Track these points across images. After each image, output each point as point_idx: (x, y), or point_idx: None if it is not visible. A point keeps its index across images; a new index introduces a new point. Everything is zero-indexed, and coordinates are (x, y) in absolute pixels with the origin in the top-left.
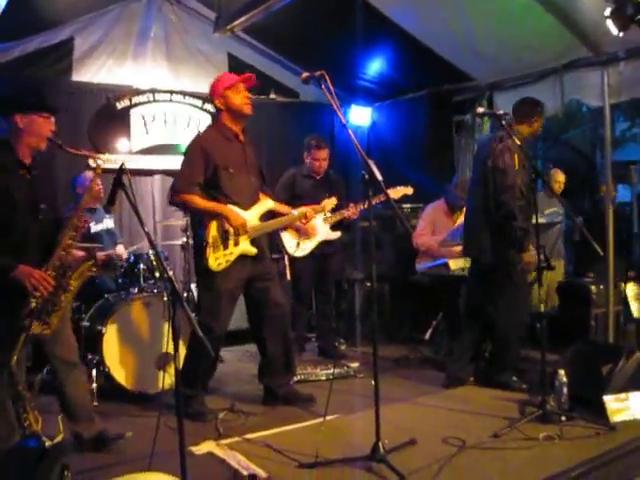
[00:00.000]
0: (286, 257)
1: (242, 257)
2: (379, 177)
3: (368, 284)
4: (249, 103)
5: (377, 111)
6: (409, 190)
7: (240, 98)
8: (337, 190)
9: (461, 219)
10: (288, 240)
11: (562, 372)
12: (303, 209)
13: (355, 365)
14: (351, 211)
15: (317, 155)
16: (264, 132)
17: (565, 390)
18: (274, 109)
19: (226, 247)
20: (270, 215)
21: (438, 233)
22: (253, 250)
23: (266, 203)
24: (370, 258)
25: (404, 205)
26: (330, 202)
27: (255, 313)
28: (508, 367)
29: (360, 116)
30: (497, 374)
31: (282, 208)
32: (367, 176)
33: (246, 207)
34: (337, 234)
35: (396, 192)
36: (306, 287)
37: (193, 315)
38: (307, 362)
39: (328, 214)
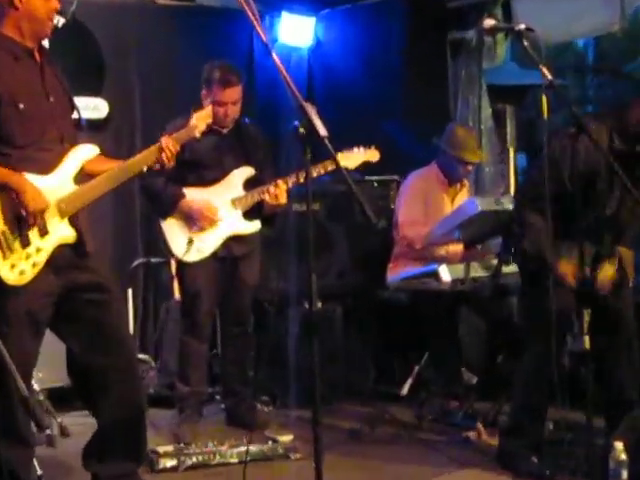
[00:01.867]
0: (172, 262)
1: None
2: (322, 131)
3: (307, 305)
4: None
5: (324, 23)
6: (373, 154)
7: (49, 5)
8: (256, 154)
9: (462, 196)
10: (174, 234)
11: (619, 446)
12: (165, 139)
13: (287, 439)
14: (276, 189)
15: (223, 96)
16: (138, 55)
17: (625, 475)
18: (155, 17)
19: (26, 243)
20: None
21: (431, 217)
22: (72, 234)
23: (81, 152)
24: (308, 263)
25: (369, 177)
26: (245, 171)
27: (80, 353)
28: (527, 438)
29: (297, 31)
30: (510, 451)
31: (110, 162)
32: (302, 129)
33: (51, 166)
34: (254, 226)
35: (351, 157)
36: (204, 311)
37: None
38: (207, 434)
39: (239, 192)
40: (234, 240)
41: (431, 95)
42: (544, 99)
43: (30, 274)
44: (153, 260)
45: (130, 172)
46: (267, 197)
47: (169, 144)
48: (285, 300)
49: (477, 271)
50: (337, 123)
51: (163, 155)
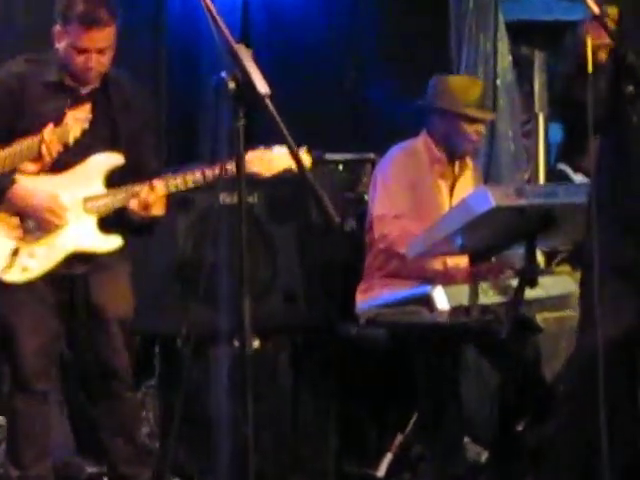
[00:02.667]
0: None
1: None
2: (262, 87)
3: (238, 344)
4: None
5: None
6: (301, 160)
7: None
8: (129, 129)
9: (466, 183)
10: None
11: None
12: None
13: None
14: (149, 194)
15: (83, 39)
16: None
17: None
18: None
19: None
20: None
21: (421, 213)
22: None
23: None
24: (240, 282)
25: (331, 156)
26: (109, 158)
27: None
28: None
29: None
30: None
31: None
32: (233, 83)
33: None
34: (110, 243)
35: (265, 159)
36: (30, 352)
37: None
38: None
39: (96, 189)
40: (80, 256)
41: (423, 37)
42: (588, 42)
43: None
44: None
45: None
46: (134, 204)
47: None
48: (206, 337)
49: (488, 296)
50: (283, 77)
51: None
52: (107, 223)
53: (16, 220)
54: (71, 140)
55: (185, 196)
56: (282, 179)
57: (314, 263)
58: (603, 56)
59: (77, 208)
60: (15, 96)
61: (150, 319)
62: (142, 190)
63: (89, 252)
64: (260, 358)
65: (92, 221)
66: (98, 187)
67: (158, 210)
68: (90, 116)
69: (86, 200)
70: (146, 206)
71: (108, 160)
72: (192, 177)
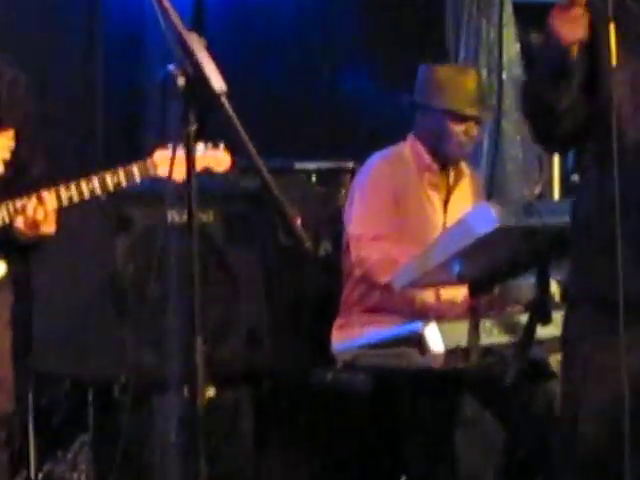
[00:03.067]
0: None
1: None
2: (217, 83)
3: (188, 393)
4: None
5: None
6: (218, 161)
7: None
8: (10, 123)
9: (463, 196)
10: None
11: None
12: None
13: None
14: (37, 208)
15: None
16: None
17: None
18: None
19: None
20: None
21: (412, 234)
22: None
23: None
24: (191, 317)
25: (301, 165)
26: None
27: None
28: None
29: None
30: None
31: None
32: (182, 78)
33: None
34: None
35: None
36: None
37: None
38: None
39: None
40: None
41: (413, 21)
42: (611, 28)
43: None
44: None
45: None
46: (19, 223)
47: None
48: (150, 384)
49: (491, 335)
50: (243, 71)
51: None
52: None
53: None
54: None
55: (122, 213)
56: (242, 193)
57: (281, 295)
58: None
59: None
60: None
61: (81, 360)
62: (29, 204)
63: None
64: (216, 409)
65: None
66: None
67: (48, 227)
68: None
69: None
70: (34, 224)
71: None
72: (89, 186)
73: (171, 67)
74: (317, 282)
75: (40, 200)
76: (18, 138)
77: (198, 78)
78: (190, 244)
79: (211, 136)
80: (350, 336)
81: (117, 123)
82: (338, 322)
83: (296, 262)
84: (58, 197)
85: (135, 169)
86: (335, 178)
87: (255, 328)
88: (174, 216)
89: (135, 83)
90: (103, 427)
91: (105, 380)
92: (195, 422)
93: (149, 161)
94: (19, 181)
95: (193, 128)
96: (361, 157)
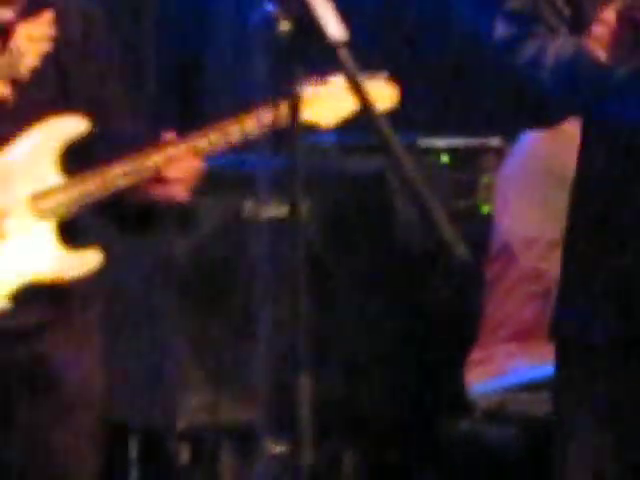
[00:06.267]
0: None
1: None
2: (335, 30)
3: (285, 448)
4: None
5: None
6: (384, 94)
7: None
8: (87, 74)
9: None
10: None
11: None
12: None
13: None
14: (185, 160)
15: None
16: None
17: None
18: None
19: None
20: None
21: None
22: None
23: (62, 127)
24: (293, 350)
25: (425, 141)
26: (62, 128)
27: None
28: None
29: None
30: None
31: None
32: (285, 23)
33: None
34: (82, 262)
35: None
36: None
37: None
38: None
39: (47, 178)
40: (28, 294)
41: None
42: None
43: None
44: None
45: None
46: (171, 172)
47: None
48: (238, 433)
49: None
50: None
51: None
52: (72, 230)
53: None
54: (23, 74)
55: (184, 207)
56: (346, 178)
57: (398, 317)
58: None
59: (20, 211)
60: None
61: (126, 401)
62: (178, 152)
63: (42, 279)
64: (315, 468)
65: (45, 230)
66: (49, 174)
67: (183, 190)
68: (53, 33)
69: (35, 198)
70: (185, 175)
71: (63, 129)
72: (245, 125)
73: (270, 6)
74: (446, 299)
75: (195, 149)
76: (99, 96)
77: (309, 22)
78: (293, 247)
79: None
80: (493, 373)
81: (173, 74)
82: (476, 354)
83: (417, 272)
84: (209, 140)
85: (215, 137)
86: (473, 160)
87: (358, 362)
88: (255, 208)
89: (200, 21)
90: None
91: (156, 425)
92: None
93: (226, 127)
94: (104, 147)
95: (297, 86)
96: (511, 134)
